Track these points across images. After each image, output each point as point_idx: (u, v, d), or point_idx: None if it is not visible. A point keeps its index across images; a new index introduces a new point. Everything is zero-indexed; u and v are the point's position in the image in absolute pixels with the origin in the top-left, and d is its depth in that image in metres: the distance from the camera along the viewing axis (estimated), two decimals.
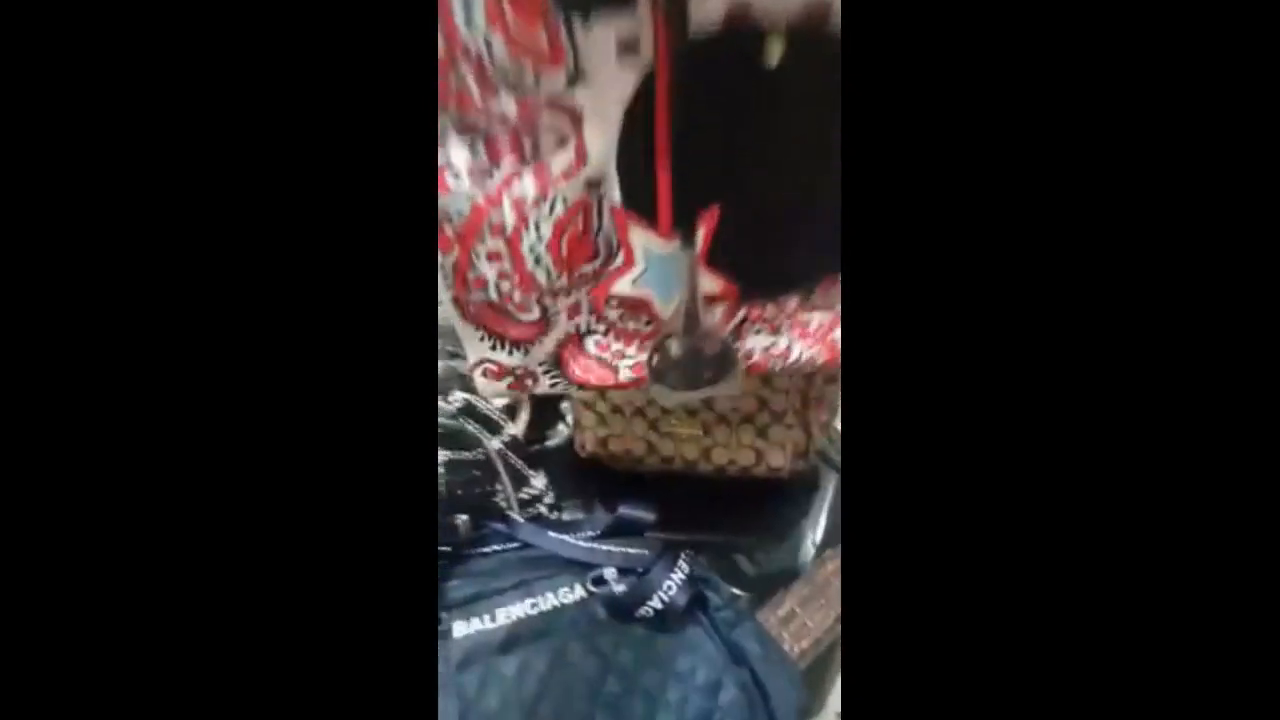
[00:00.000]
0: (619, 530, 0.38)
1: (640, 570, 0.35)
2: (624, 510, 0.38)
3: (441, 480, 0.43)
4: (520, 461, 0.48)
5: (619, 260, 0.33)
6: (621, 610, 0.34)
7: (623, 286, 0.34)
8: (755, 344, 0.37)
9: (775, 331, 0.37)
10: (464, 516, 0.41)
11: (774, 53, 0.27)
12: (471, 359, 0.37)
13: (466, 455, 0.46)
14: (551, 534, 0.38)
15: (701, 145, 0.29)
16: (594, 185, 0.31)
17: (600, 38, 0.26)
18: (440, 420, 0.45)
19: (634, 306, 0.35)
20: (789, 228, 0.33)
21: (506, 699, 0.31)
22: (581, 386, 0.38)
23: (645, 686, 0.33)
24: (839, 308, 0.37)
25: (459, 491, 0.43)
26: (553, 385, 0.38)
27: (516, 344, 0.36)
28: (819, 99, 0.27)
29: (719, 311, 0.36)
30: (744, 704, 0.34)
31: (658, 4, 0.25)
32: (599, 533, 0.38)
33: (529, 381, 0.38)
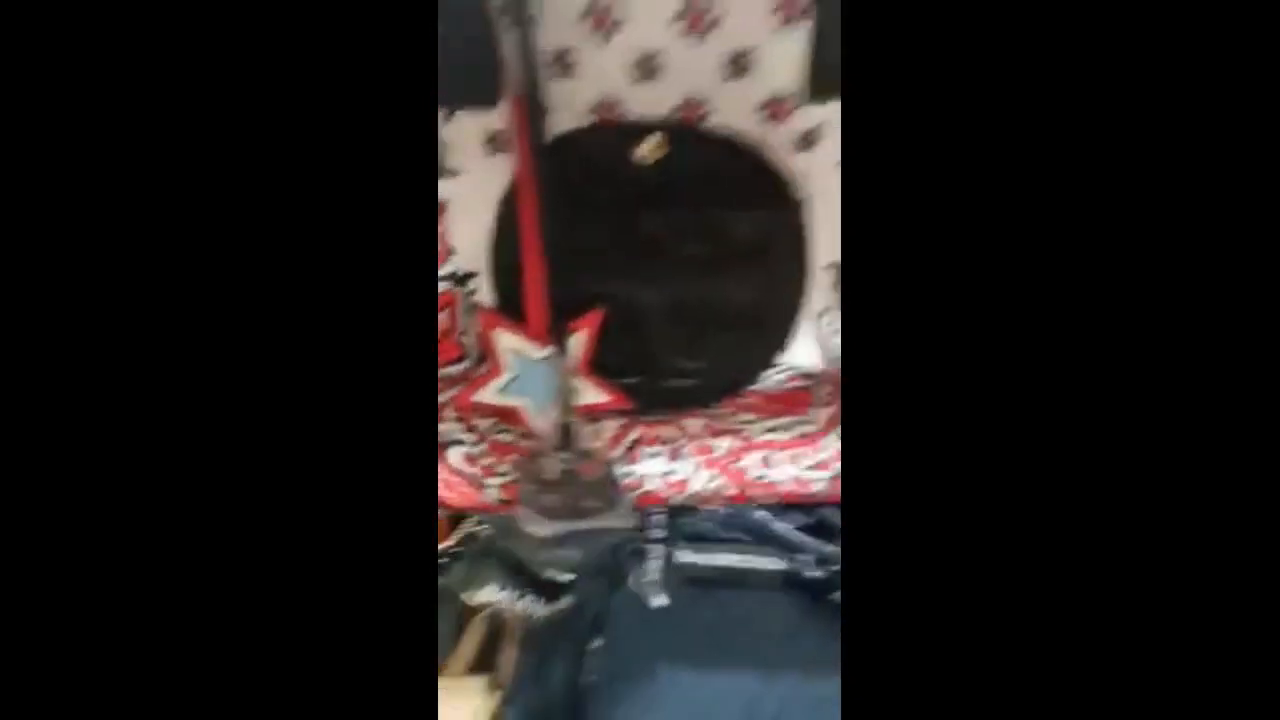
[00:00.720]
0: (820, 530, 0.40)
1: (834, 567, 0.39)
2: (826, 512, 0.41)
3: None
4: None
5: (484, 368, 0.29)
6: (810, 591, 0.38)
7: (488, 394, 0.30)
8: (649, 468, 0.33)
9: (675, 457, 0.33)
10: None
11: (649, 152, 0.25)
12: None
13: None
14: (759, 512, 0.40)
15: (583, 242, 0.26)
16: (460, 280, 0.28)
17: (466, 130, 0.25)
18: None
19: (505, 416, 0.31)
20: (686, 336, 0.30)
21: (699, 628, 0.36)
22: (442, 503, 0.32)
23: (810, 654, 0.35)
24: (749, 431, 0.33)
25: None
26: None
27: None
28: (703, 191, 0.25)
29: (605, 429, 0.32)
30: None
31: (519, 100, 0.23)
32: (801, 526, 0.40)
33: None
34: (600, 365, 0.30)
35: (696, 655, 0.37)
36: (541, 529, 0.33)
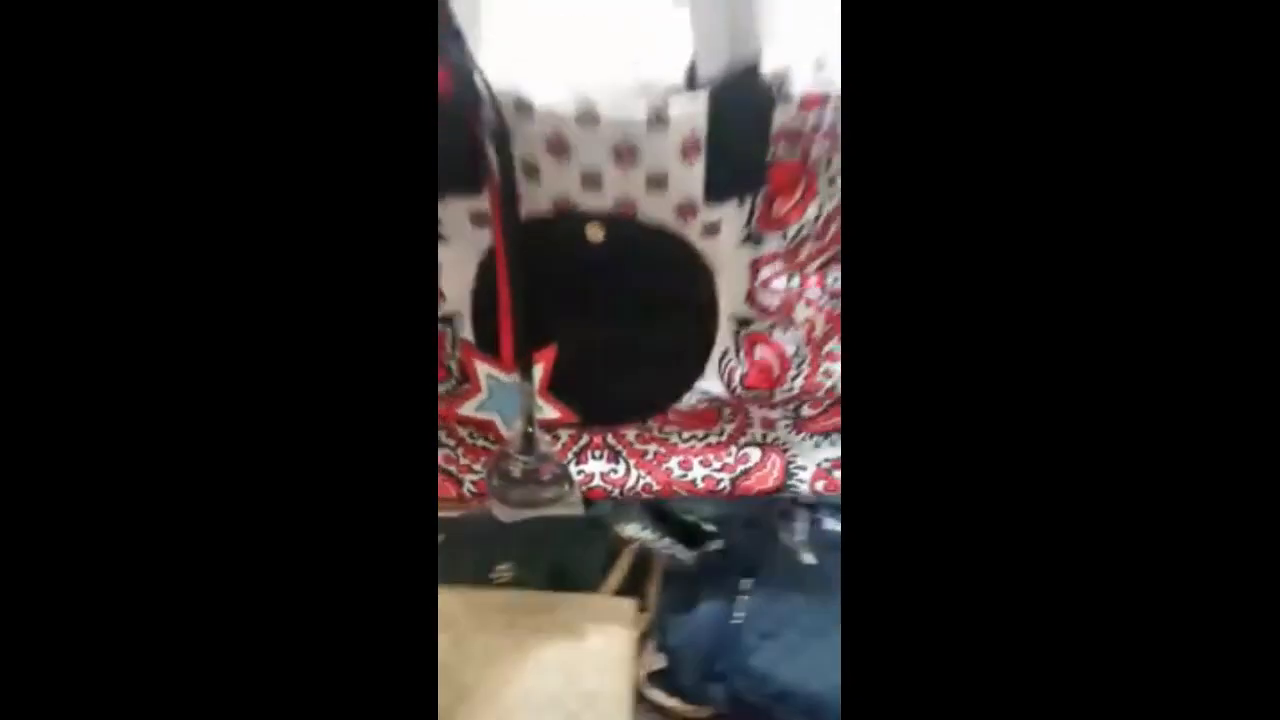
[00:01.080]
0: None
1: None
2: None
3: None
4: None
5: (466, 386, 0.37)
6: None
7: (469, 409, 0.38)
8: (594, 469, 0.41)
9: (614, 459, 0.41)
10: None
11: (595, 234, 0.33)
12: None
13: None
14: None
15: (542, 294, 0.34)
16: (448, 321, 0.36)
17: (454, 211, 0.32)
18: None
19: (481, 427, 0.39)
20: (623, 368, 0.38)
21: None
22: None
23: None
24: (671, 441, 0.41)
25: None
26: None
27: None
28: (636, 262, 0.34)
29: (561, 437, 0.40)
30: None
31: (496, 191, 0.31)
32: None
33: None
34: (555, 389, 0.38)
35: (835, 612, 0.40)
36: (505, 516, 0.40)
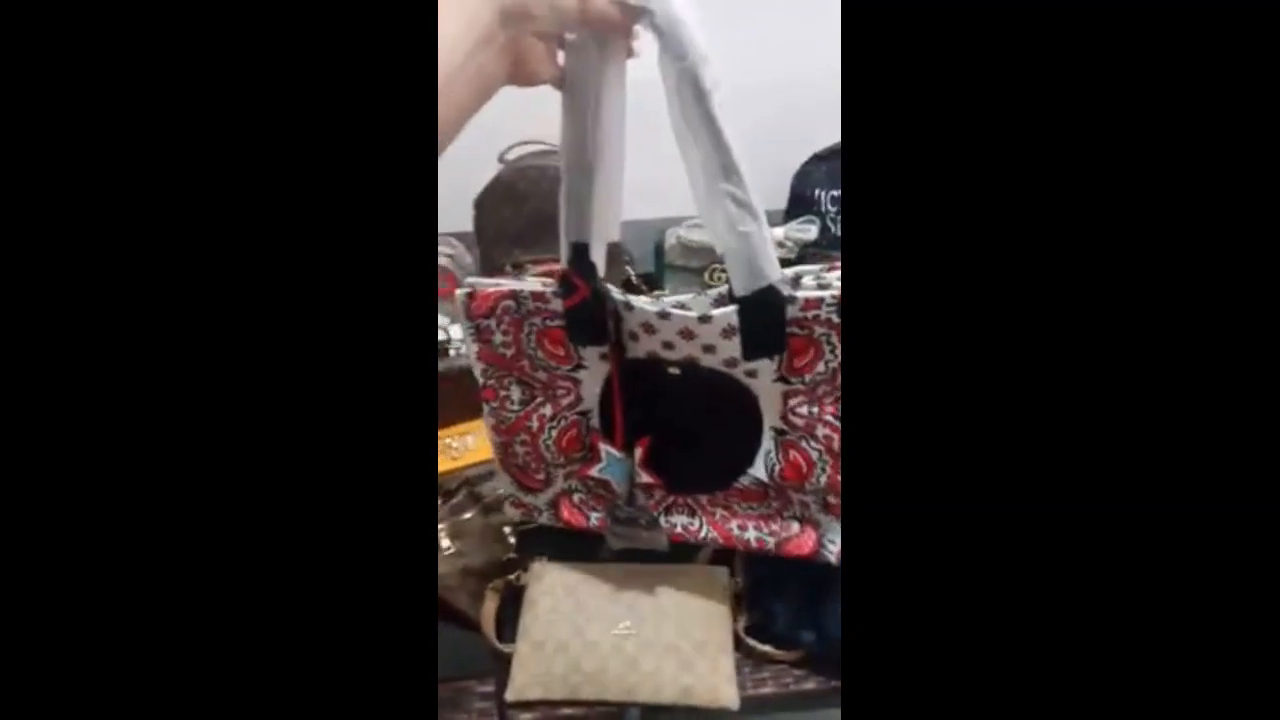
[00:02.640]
0: None
1: None
2: None
3: None
4: None
5: (592, 455, 0.58)
6: None
7: (594, 471, 0.59)
8: (678, 520, 0.59)
9: (692, 515, 0.59)
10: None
11: (674, 371, 0.52)
12: (504, 493, 0.63)
13: None
14: None
15: (640, 409, 0.54)
16: (584, 415, 0.57)
17: (591, 352, 0.54)
18: None
19: (601, 484, 0.59)
20: (696, 456, 0.56)
21: None
22: (568, 524, 0.62)
23: None
24: (734, 508, 0.57)
25: None
26: (550, 520, 0.62)
27: (530, 490, 0.62)
28: (702, 392, 0.51)
29: (655, 496, 0.59)
30: None
31: (613, 344, 0.51)
32: None
33: (536, 514, 0.63)
34: (650, 463, 0.57)
35: None
36: (615, 544, 0.60)
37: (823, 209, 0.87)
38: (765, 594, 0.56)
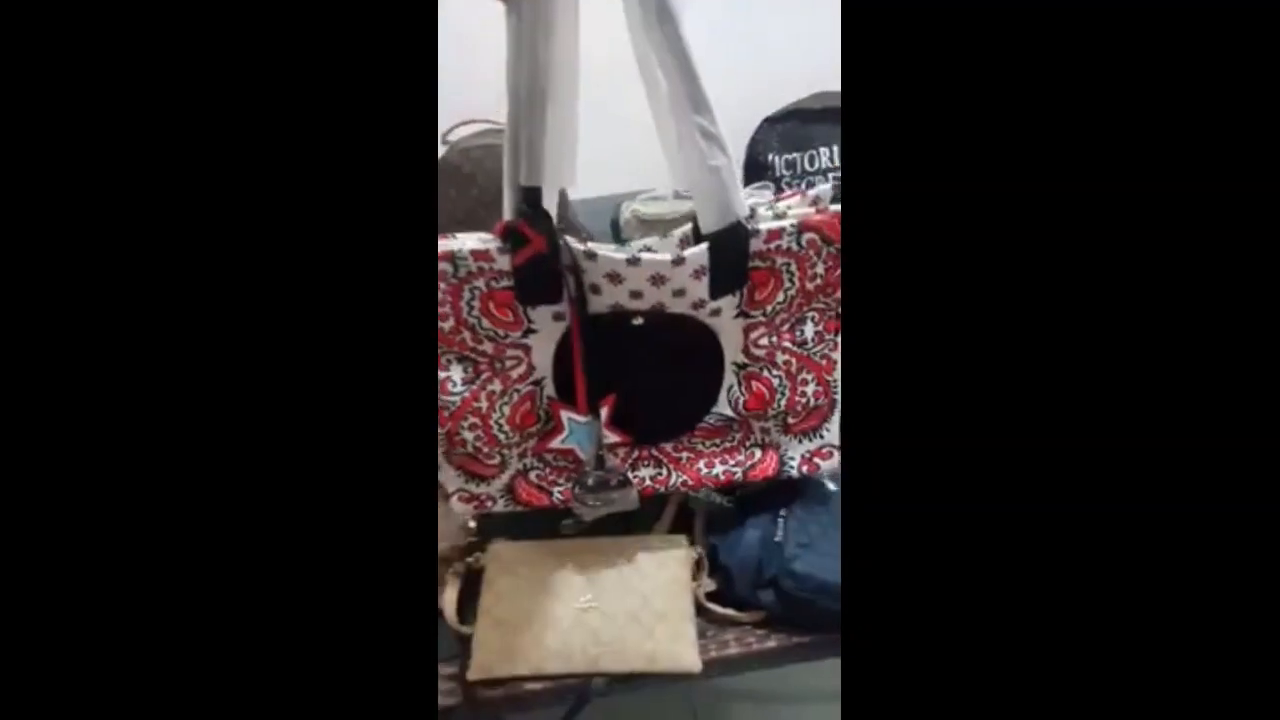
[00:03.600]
0: None
1: None
2: None
3: None
4: None
5: (552, 426, 0.55)
6: None
7: (555, 444, 0.55)
8: (645, 473, 0.59)
9: (659, 465, 0.59)
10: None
11: (637, 321, 0.51)
12: (452, 489, 0.57)
13: None
14: None
15: (604, 362, 0.52)
16: (538, 384, 0.53)
17: (542, 313, 0.50)
18: None
19: (563, 455, 0.57)
20: (661, 404, 0.56)
21: None
22: (528, 505, 0.58)
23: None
24: (699, 448, 0.59)
25: None
26: (505, 506, 0.58)
27: (482, 479, 0.56)
28: (667, 337, 0.51)
29: (620, 454, 0.58)
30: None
31: (572, 300, 0.48)
32: None
33: (489, 503, 0.57)
34: (615, 421, 0.56)
35: None
36: (586, 514, 0.58)
37: (777, 174, 0.84)
38: (726, 555, 0.59)
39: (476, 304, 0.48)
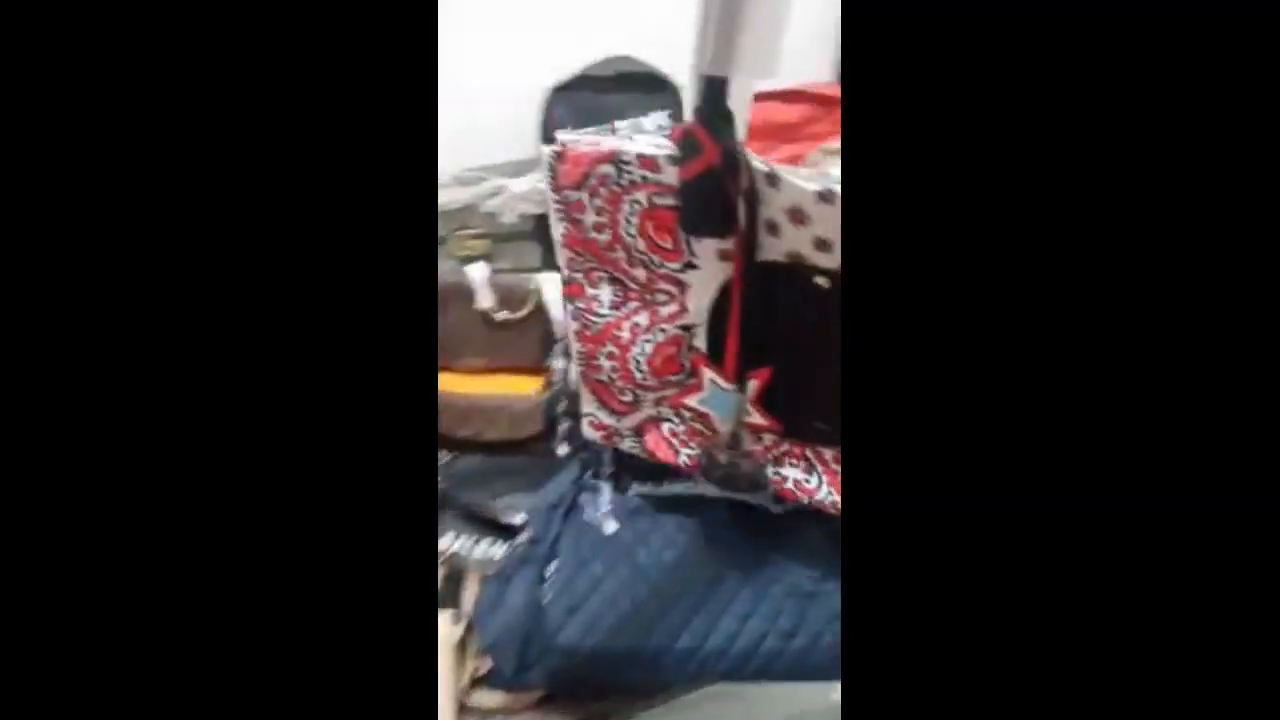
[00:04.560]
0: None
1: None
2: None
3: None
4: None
5: (693, 382, 0.47)
6: (760, 518, 0.50)
7: (692, 401, 0.48)
8: (791, 474, 0.48)
9: (810, 469, 0.47)
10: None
11: (822, 282, 0.38)
12: (584, 411, 0.55)
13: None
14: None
15: (764, 326, 0.41)
16: (687, 329, 0.46)
17: (707, 247, 0.41)
18: None
19: (700, 417, 0.49)
20: (830, 399, 0.43)
21: (668, 541, 0.48)
22: (652, 455, 0.53)
23: (768, 573, 0.47)
24: None
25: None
26: (630, 447, 0.54)
27: (614, 412, 0.53)
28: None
29: (765, 441, 0.47)
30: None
31: (740, 237, 0.38)
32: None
33: (616, 438, 0.54)
34: (766, 400, 0.45)
35: (628, 575, 0.43)
36: (710, 492, 0.51)
37: None
38: (490, 630, 0.46)
39: (635, 220, 0.42)
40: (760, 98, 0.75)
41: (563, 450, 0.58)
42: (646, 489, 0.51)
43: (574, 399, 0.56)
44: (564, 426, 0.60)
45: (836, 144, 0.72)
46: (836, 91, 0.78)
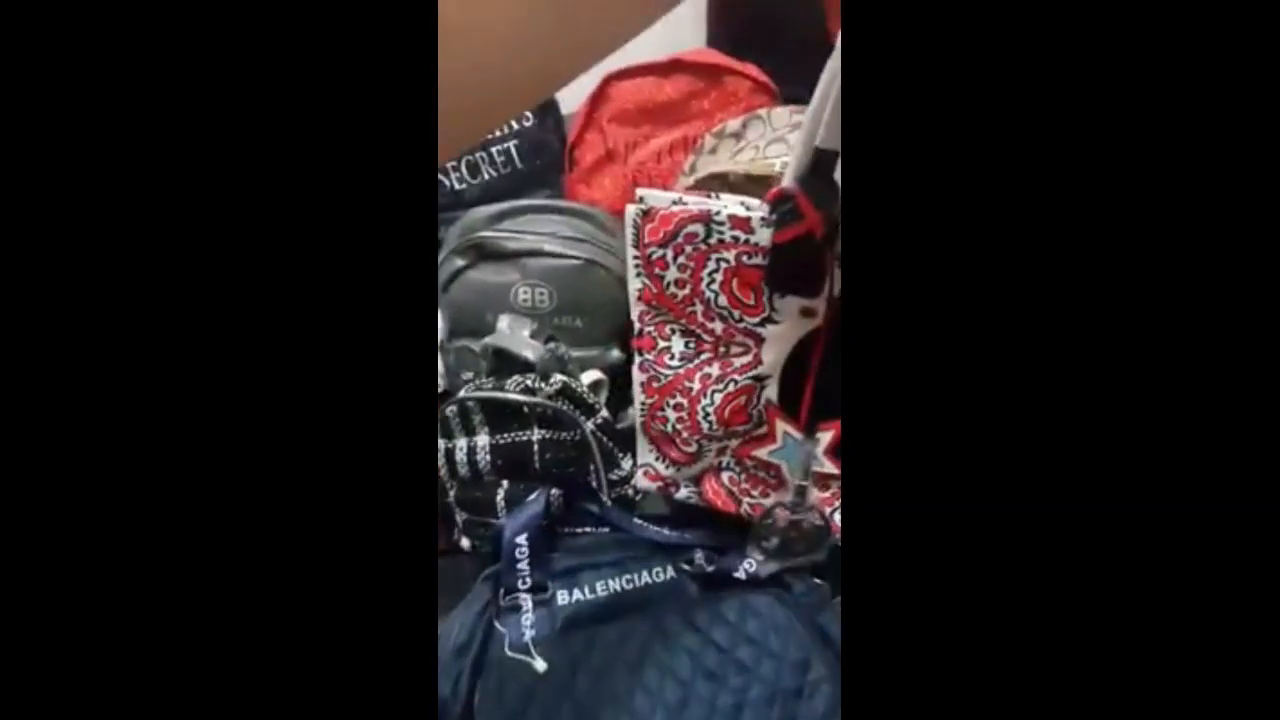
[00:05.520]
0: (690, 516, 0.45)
1: (723, 549, 0.45)
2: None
3: (536, 458, 0.51)
4: (611, 444, 0.54)
5: (764, 432, 0.48)
6: (714, 585, 0.44)
7: (763, 454, 0.49)
8: None
9: None
10: (556, 491, 0.49)
11: None
12: (640, 461, 0.55)
13: (564, 436, 0.52)
14: (638, 521, 0.48)
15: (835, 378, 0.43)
16: (758, 380, 0.47)
17: (790, 304, 0.42)
18: (539, 400, 0.51)
19: (767, 468, 0.50)
20: None
21: (611, 660, 0.40)
22: (710, 505, 0.53)
23: (740, 659, 0.41)
24: None
25: (553, 470, 0.51)
26: (686, 497, 0.54)
27: (674, 462, 0.53)
28: None
29: (833, 489, 0.49)
30: (830, 680, 0.41)
31: (830, 299, 0.40)
32: (677, 520, 0.47)
33: (672, 488, 0.54)
34: (840, 451, 0.47)
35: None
36: (758, 568, 0.51)
37: None
38: None
39: (720, 276, 0.43)
40: (626, 74, 0.66)
41: (465, 544, 0.51)
42: (568, 598, 0.42)
43: (464, 484, 0.50)
44: (462, 518, 0.52)
45: (733, 123, 0.62)
46: (720, 59, 0.67)
